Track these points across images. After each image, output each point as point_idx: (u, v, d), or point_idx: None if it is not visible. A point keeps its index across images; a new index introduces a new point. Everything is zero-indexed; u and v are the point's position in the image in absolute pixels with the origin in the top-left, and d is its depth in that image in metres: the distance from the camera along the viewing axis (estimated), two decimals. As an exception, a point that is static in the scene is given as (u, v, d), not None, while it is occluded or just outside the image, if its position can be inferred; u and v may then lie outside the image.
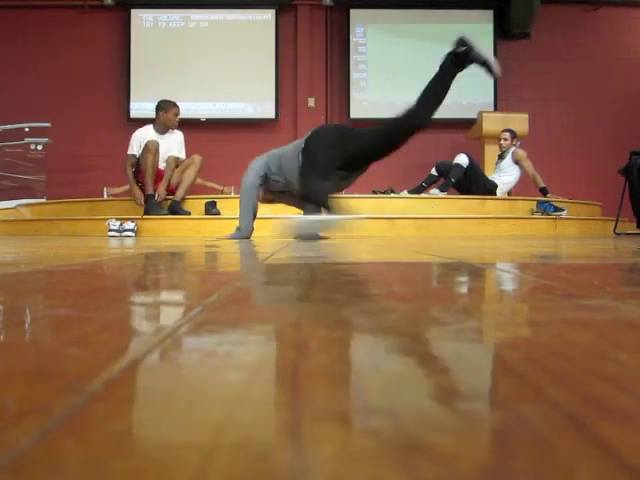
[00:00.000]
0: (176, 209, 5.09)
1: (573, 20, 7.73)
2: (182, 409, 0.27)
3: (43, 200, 6.67)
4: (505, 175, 5.94)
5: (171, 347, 0.42)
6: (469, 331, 0.48)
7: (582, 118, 7.70)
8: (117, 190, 5.59)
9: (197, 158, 5.24)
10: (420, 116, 3.37)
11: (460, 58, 3.52)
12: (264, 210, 5.37)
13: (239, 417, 0.26)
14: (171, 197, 5.14)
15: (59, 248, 2.31)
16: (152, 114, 5.46)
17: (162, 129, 5.29)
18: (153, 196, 5.08)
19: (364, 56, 7.70)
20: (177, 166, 5.27)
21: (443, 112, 8.22)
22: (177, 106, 5.32)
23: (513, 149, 5.98)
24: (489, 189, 5.83)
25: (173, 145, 5.29)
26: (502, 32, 7.64)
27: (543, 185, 5.94)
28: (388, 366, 0.37)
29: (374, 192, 5.79)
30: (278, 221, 3.53)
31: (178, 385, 0.32)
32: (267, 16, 7.64)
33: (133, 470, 0.20)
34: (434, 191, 5.75)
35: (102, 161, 7.08)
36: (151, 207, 5.06)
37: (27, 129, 6.83)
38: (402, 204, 5.43)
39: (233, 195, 6.35)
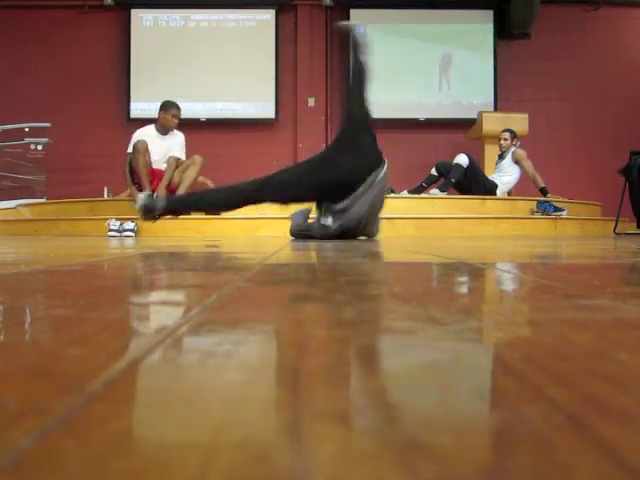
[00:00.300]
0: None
1: (573, 20, 7.74)
2: (182, 409, 0.27)
3: (43, 200, 6.67)
4: (505, 175, 5.94)
5: (171, 347, 0.42)
6: (469, 331, 0.48)
7: (582, 118, 7.70)
8: (123, 195, 5.55)
9: (198, 158, 5.24)
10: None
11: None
12: (263, 210, 5.37)
13: (239, 417, 0.26)
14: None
15: (59, 248, 2.31)
16: (152, 114, 5.46)
17: (162, 129, 5.29)
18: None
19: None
20: (178, 167, 5.27)
21: (443, 112, 8.24)
22: (177, 107, 5.31)
23: (513, 149, 5.98)
24: (489, 189, 5.83)
25: (173, 146, 5.29)
26: (502, 32, 7.65)
27: (543, 185, 5.95)
28: (388, 366, 0.37)
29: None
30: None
31: (178, 385, 0.32)
32: (267, 16, 7.64)
33: (133, 470, 0.20)
34: (434, 191, 5.75)
35: (102, 161, 7.09)
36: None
37: (27, 129, 6.84)
38: (402, 204, 5.43)
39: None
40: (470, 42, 7.66)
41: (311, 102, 7.63)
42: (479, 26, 7.68)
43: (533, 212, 5.65)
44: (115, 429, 0.24)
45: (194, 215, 5.17)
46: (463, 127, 7.16)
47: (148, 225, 5.00)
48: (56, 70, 7.56)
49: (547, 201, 5.66)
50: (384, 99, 7.53)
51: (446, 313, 0.57)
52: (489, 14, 7.68)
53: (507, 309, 0.65)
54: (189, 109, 7.43)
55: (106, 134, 7.29)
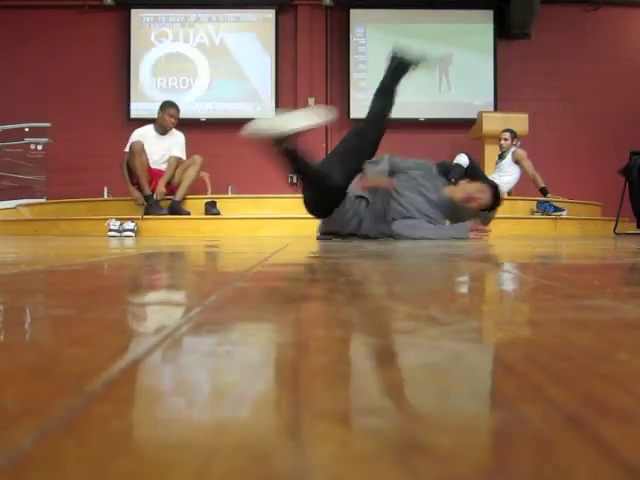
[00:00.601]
0: (176, 209, 5.10)
1: (573, 20, 7.74)
2: (182, 409, 0.27)
3: (43, 200, 6.67)
4: (505, 175, 5.94)
5: (171, 347, 0.42)
6: (469, 331, 0.48)
7: (582, 118, 7.70)
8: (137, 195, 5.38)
9: (198, 158, 5.24)
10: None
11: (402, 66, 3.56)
12: (263, 210, 5.38)
13: (239, 417, 0.26)
14: (171, 197, 5.15)
15: (59, 248, 2.31)
16: (152, 114, 5.47)
17: (161, 129, 5.29)
18: (152, 196, 5.09)
19: (364, 56, 7.70)
20: (178, 166, 5.27)
21: (443, 112, 8.24)
22: (175, 107, 5.30)
23: (513, 149, 5.98)
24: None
25: (173, 146, 5.29)
26: (502, 32, 7.64)
27: (543, 185, 5.95)
28: (388, 366, 0.37)
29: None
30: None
31: (178, 385, 0.32)
32: (267, 16, 7.64)
33: (133, 470, 0.20)
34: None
35: (102, 161, 7.08)
36: (151, 207, 5.07)
37: (27, 129, 6.84)
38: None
39: (231, 195, 6.36)
40: (470, 42, 7.65)
41: (311, 102, 7.63)
42: (479, 26, 7.68)
43: (533, 212, 5.65)
44: (115, 429, 0.24)
45: (194, 215, 5.18)
46: (463, 127, 7.15)
47: (148, 225, 5.01)
48: (56, 70, 7.56)
49: (547, 201, 5.66)
50: (384, 99, 7.53)
51: (446, 313, 0.57)
52: (489, 14, 7.68)
53: (507, 309, 0.65)
54: (189, 109, 7.44)
55: (106, 134, 7.29)
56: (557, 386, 0.30)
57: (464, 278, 1.08)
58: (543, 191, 5.93)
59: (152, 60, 7.64)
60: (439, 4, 7.65)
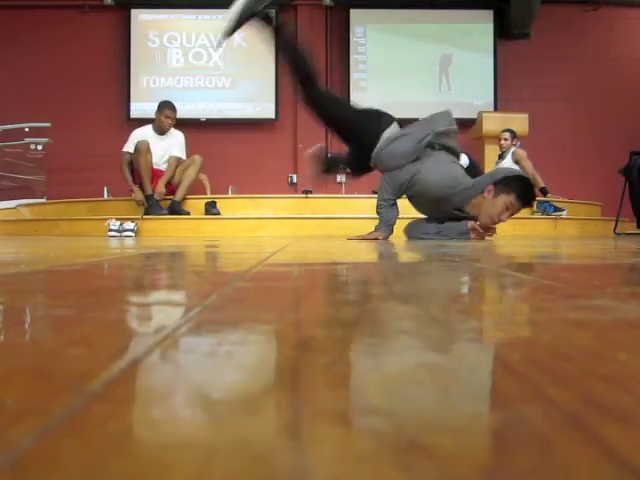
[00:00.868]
0: (176, 209, 5.10)
1: (573, 20, 7.74)
2: (182, 409, 0.27)
3: (43, 200, 6.68)
4: (505, 175, 5.94)
5: (171, 347, 0.42)
6: (469, 331, 0.48)
7: (582, 118, 7.70)
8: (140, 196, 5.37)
9: (198, 158, 5.24)
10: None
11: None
12: (264, 210, 5.38)
13: (239, 417, 0.26)
14: (171, 197, 5.15)
15: (59, 248, 2.31)
16: (152, 114, 5.47)
17: (159, 130, 5.30)
18: (152, 196, 5.09)
19: (364, 56, 7.71)
20: (178, 166, 5.27)
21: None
22: (171, 108, 5.29)
23: (513, 149, 5.98)
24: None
25: (172, 146, 5.29)
26: (502, 32, 7.65)
27: (543, 185, 5.95)
28: (388, 366, 0.37)
29: (374, 192, 5.78)
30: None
31: (178, 385, 0.32)
32: (267, 16, 7.64)
33: (133, 470, 0.20)
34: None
35: (102, 161, 7.08)
36: (151, 207, 5.07)
37: (27, 129, 6.84)
38: (402, 204, 5.42)
39: (231, 195, 6.36)
40: (470, 42, 7.66)
41: (311, 102, 7.62)
42: (479, 26, 7.68)
43: (533, 212, 5.65)
44: (115, 429, 0.24)
45: (194, 215, 5.18)
46: (463, 127, 7.14)
47: (148, 225, 5.01)
48: (56, 70, 7.56)
49: (547, 201, 5.66)
50: (384, 99, 7.53)
51: (446, 313, 0.57)
52: (489, 14, 7.68)
53: (507, 309, 0.65)
54: (189, 109, 7.44)
55: (106, 134, 7.29)
56: (557, 386, 0.30)
57: (464, 278, 1.08)
58: (543, 191, 5.93)
59: (152, 60, 7.64)
60: (439, 4, 7.65)
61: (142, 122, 5.68)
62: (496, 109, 7.47)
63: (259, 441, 0.23)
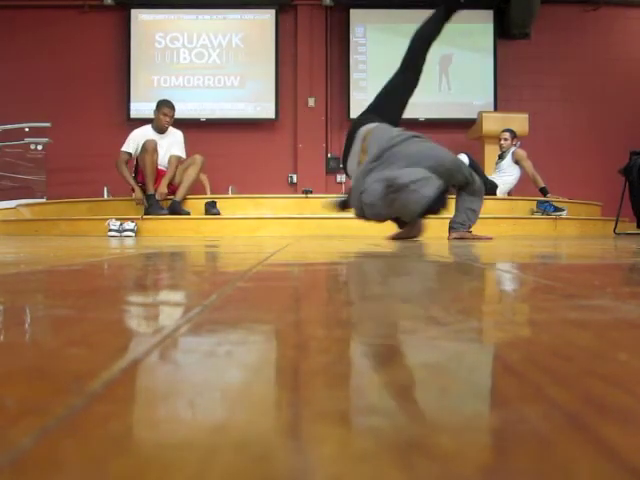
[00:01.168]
0: (176, 209, 5.10)
1: (573, 20, 7.74)
2: (182, 409, 0.27)
3: (43, 200, 6.68)
4: (505, 175, 5.94)
5: (171, 347, 0.42)
6: (469, 331, 0.48)
7: (582, 118, 7.70)
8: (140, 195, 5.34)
9: (198, 158, 5.24)
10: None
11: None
12: (264, 210, 5.38)
13: (239, 417, 0.26)
14: (172, 197, 5.15)
15: (59, 248, 2.31)
16: (152, 114, 5.47)
17: (158, 129, 5.30)
18: (154, 196, 5.09)
19: (364, 56, 7.70)
20: (178, 165, 5.27)
21: (443, 112, 8.23)
22: (169, 106, 5.30)
23: (513, 149, 5.98)
24: (489, 189, 5.83)
25: (172, 145, 5.29)
26: (502, 32, 7.65)
27: (543, 185, 5.95)
28: (388, 366, 0.37)
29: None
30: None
31: (178, 385, 0.32)
32: (267, 16, 7.64)
33: (133, 470, 0.20)
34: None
35: (102, 161, 7.08)
36: (151, 207, 5.07)
37: (27, 129, 6.84)
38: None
39: (231, 195, 6.36)
40: (470, 42, 7.65)
41: (311, 102, 7.63)
42: (479, 26, 7.68)
43: (533, 212, 5.65)
44: (115, 429, 0.24)
45: (194, 215, 5.18)
46: (463, 127, 7.15)
47: (148, 225, 5.01)
48: (56, 70, 7.56)
49: (547, 201, 5.66)
50: (384, 99, 7.52)
51: (446, 313, 0.57)
52: (489, 14, 7.68)
53: (507, 309, 0.65)
54: (189, 109, 7.44)
55: (106, 134, 7.29)
56: (557, 386, 0.30)
57: (464, 278, 1.08)
58: (543, 191, 5.94)
59: (152, 60, 7.64)
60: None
61: (142, 122, 5.68)
62: (496, 109, 7.47)
63: (259, 441, 0.23)
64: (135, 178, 5.24)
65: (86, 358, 0.37)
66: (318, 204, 5.46)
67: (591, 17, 7.77)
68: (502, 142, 6.02)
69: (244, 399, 0.29)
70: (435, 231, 4.88)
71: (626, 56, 7.79)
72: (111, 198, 6.09)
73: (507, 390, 0.31)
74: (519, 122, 6.36)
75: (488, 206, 5.61)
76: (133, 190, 5.31)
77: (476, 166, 5.94)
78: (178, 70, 7.65)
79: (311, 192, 5.59)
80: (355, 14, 7.66)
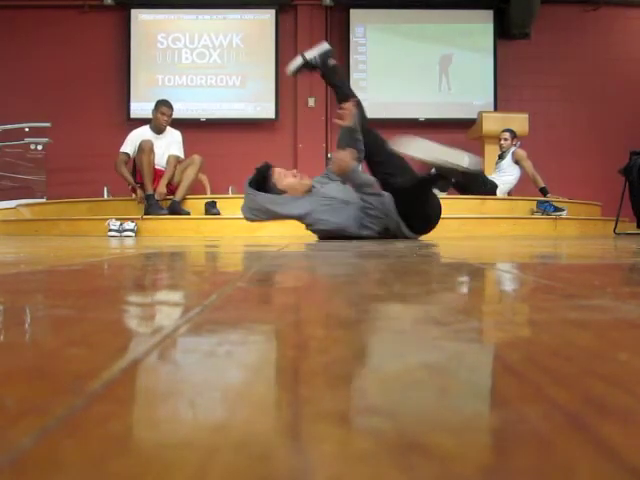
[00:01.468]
0: (176, 209, 5.10)
1: (573, 20, 7.73)
2: (182, 409, 0.27)
3: (43, 200, 6.67)
4: (505, 175, 5.94)
5: (171, 347, 0.42)
6: (469, 331, 0.48)
7: (582, 118, 7.70)
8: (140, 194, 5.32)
9: (197, 158, 5.24)
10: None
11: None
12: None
13: (239, 417, 0.26)
14: (171, 197, 5.15)
15: (59, 248, 2.31)
16: (152, 114, 5.47)
17: (156, 129, 5.31)
18: (153, 196, 5.09)
19: (364, 56, 7.70)
20: (177, 165, 5.27)
21: (443, 112, 8.22)
22: (167, 105, 5.31)
23: (513, 149, 5.98)
24: (489, 189, 5.83)
25: (170, 145, 5.29)
26: (502, 32, 7.64)
27: (543, 185, 5.95)
28: (388, 366, 0.37)
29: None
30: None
31: (178, 385, 0.32)
32: (267, 16, 7.64)
33: (133, 470, 0.20)
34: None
35: (102, 161, 7.07)
36: (151, 207, 5.07)
37: (27, 129, 6.84)
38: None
39: (231, 195, 6.36)
40: (470, 42, 7.65)
41: (311, 102, 7.63)
42: (479, 26, 7.67)
43: (533, 212, 5.65)
44: (115, 429, 0.24)
45: (194, 215, 5.18)
46: (463, 127, 7.15)
47: (148, 225, 5.01)
48: (56, 70, 7.55)
49: (547, 201, 5.66)
50: (384, 99, 7.53)
51: (446, 313, 0.57)
52: (489, 14, 7.68)
53: (507, 309, 0.65)
54: (189, 109, 7.44)
55: (106, 134, 7.29)
56: (557, 386, 0.30)
57: (464, 278, 1.08)
58: (543, 191, 5.93)
59: (152, 60, 7.64)
60: (439, 4, 7.65)
61: (142, 122, 5.67)
62: (496, 109, 7.47)
63: (259, 441, 0.23)
64: (134, 179, 5.25)
65: (86, 358, 0.37)
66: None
67: (591, 17, 7.76)
68: (502, 142, 6.01)
69: (244, 399, 0.29)
70: (433, 231, 4.89)
71: (626, 56, 7.79)
72: (111, 198, 6.09)
73: (507, 390, 0.31)
74: (519, 122, 6.36)
75: (488, 206, 5.62)
76: (133, 191, 5.31)
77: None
78: (179, 70, 7.65)
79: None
80: (355, 14, 7.65)
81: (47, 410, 0.26)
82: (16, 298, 0.72)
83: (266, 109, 7.63)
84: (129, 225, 4.78)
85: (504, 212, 5.56)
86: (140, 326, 0.54)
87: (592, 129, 7.68)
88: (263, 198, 3.18)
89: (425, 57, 7.71)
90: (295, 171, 3.32)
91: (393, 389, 0.31)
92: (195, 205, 5.26)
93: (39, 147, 6.83)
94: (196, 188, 5.74)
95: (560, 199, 5.84)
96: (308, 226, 3.27)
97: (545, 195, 5.88)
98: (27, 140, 6.83)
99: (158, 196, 5.09)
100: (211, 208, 5.18)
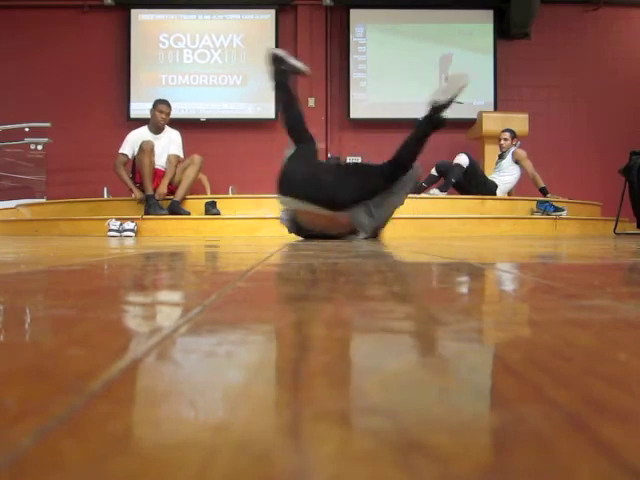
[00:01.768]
0: (176, 209, 5.10)
1: (573, 20, 7.73)
2: (182, 409, 0.27)
3: (43, 200, 6.68)
4: (505, 175, 5.94)
5: (171, 347, 0.42)
6: (469, 331, 0.48)
7: (582, 118, 7.70)
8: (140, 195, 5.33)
9: (197, 158, 5.24)
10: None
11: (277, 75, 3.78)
12: (264, 211, 5.37)
13: (239, 417, 0.26)
14: (171, 197, 5.15)
15: (59, 248, 2.31)
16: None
17: (155, 129, 5.31)
18: (153, 196, 5.09)
19: (364, 56, 7.70)
20: (177, 164, 5.27)
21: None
22: (165, 104, 5.32)
23: (513, 149, 5.98)
24: (489, 189, 5.83)
25: (170, 144, 5.30)
26: (502, 32, 7.65)
27: (543, 185, 5.95)
28: (388, 366, 0.37)
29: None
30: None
31: (178, 385, 0.32)
32: (267, 16, 7.64)
33: (133, 470, 0.20)
34: (434, 191, 5.75)
35: (102, 161, 7.07)
36: (151, 207, 5.07)
37: (27, 129, 6.84)
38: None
39: (231, 195, 6.36)
40: (470, 42, 7.65)
41: (311, 102, 7.62)
42: (479, 26, 7.67)
43: (533, 212, 5.65)
44: (115, 429, 0.24)
45: (194, 215, 5.18)
46: (463, 127, 7.15)
47: (148, 225, 5.01)
48: (56, 70, 7.56)
49: (547, 201, 5.66)
50: (384, 99, 7.53)
51: (446, 313, 0.57)
52: (489, 14, 7.68)
53: (507, 309, 0.65)
54: (189, 109, 7.44)
55: (106, 134, 7.28)
56: (557, 386, 0.30)
57: (464, 278, 1.08)
58: (543, 191, 5.94)
59: (152, 60, 7.64)
60: (439, 4, 7.65)
61: (142, 122, 5.68)
62: (496, 109, 7.47)
63: (259, 441, 0.23)
64: (133, 179, 5.25)
65: (86, 358, 0.37)
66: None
67: (591, 17, 7.76)
68: (502, 142, 6.02)
69: (244, 399, 0.29)
70: (434, 231, 4.88)
71: (626, 56, 7.79)
72: (111, 198, 6.09)
73: (507, 390, 0.31)
74: (519, 122, 6.36)
75: (488, 206, 5.62)
76: (132, 192, 5.31)
77: (476, 166, 5.95)
78: (177, 70, 7.65)
79: None
80: (355, 14, 7.65)
81: (47, 410, 0.26)
82: (16, 298, 0.72)
83: (266, 109, 7.63)
84: (129, 225, 4.78)
85: (504, 212, 5.56)
86: (140, 326, 0.54)
87: (592, 129, 7.68)
88: None
89: (425, 57, 7.71)
90: None
91: (393, 389, 0.31)
92: (195, 205, 5.27)
93: (39, 147, 6.83)
94: (196, 188, 5.74)
95: (560, 199, 5.84)
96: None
97: (545, 195, 5.88)
98: (27, 140, 6.83)
99: (158, 196, 5.09)
100: (211, 208, 5.18)
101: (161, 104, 5.31)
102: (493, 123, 6.44)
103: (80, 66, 7.59)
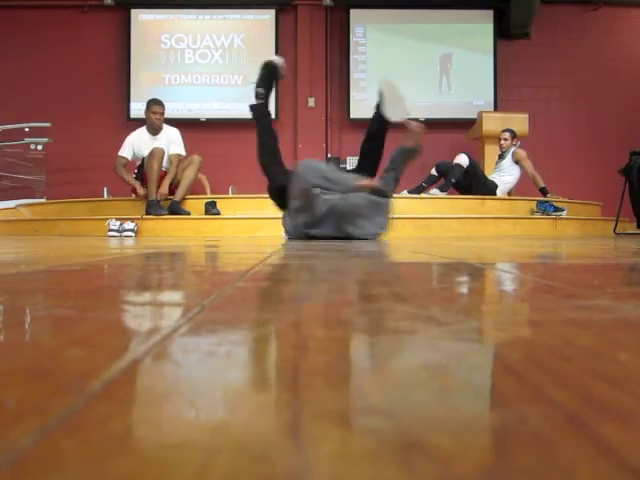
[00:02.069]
0: (176, 209, 5.10)
1: (573, 20, 7.74)
2: (182, 409, 0.27)
3: (43, 200, 6.67)
4: (505, 175, 5.94)
5: (171, 347, 0.42)
6: (469, 331, 0.48)
7: (582, 118, 7.70)
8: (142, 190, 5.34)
9: (196, 158, 5.24)
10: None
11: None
12: (263, 210, 5.37)
13: (239, 417, 0.26)
14: (171, 197, 5.15)
15: (59, 248, 2.31)
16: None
17: (151, 129, 5.31)
18: (155, 199, 5.09)
19: (364, 56, 7.70)
20: (179, 162, 5.26)
21: (443, 112, 8.22)
22: (158, 104, 5.31)
23: (513, 149, 5.98)
24: (489, 189, 5.83)
25: (169, 143, 5.29)
26: (502, 32, 7.65)
27: (543, 185, 5.95)
28: (388, 366, 0.37)
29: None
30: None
31: (178, 385, 0.32)
32: (267, 16, 7.64)
33: (133, 470, 0.20)
34: (434, 191, 5.75)
35: (102, 161, 7.07)
36: (151, 207, 5.07)
37: (27, 129, 6.84)
38: (402, 204, 5.43)
39: (231, 195, 6.36)
40: (470, 42, 7.65)
41: (311, 102, 7.63)
42: (479, 26, 7.67)
43: (533, 212, 5.65)
44: (115, 429, 0.24)
45: (194, 215, 5.18)
46: (463, 127, 7.15)
47: (148, 225, 5.01)
48: (56, 70, 7.56)
49: (547, 201, 5.66)
50: (384, 99, 7.52)
51: (446, 313, 0.57)
52: (489, 14, 7.68)
53: (507, 309, 0.65)
54: (189, 109, 7.44)
55: (106, 134, 7.29)
56: (557, 386, 0.30)
57: (464, 278, 1.08)
58: (543, 191, 5.94)
59: (152, 60, 7.64)
60: (439, 4, 7.65)
61: (142, 122, 5.68)
62: (496, 109, 7.47)
63: (259, 441, 0.23)
64: (138, 178, 5.25)
65: (86, 358, 0.37)
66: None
67: (591, 17, 7.76)
68: (502, 142, 6.01)
69: (244, 399, 0.29)
70: (434, 231, 4.88)
71: (626, 56, 7.79)
72: (111, 198, 6.09)
73: (507, 390, 0.31)
74: (519, 122, 6.36)
75: (488, 206, 5.62)
76: (134, 191, 5.30)
77: (476, 166, 5.95)
78: (177, 70, 7.65)
79: None
80: (355, 14, 7.65)
81: (47, 410, 0.26)
82: (16, 298, 0.72)
83: (266, 109, 7.62)
84: (129, 225, 4.78)
85: (504, 212, 5.56)
86: (140, 326, 0.54)
87: (592, 129, 7.68)
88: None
89: (425, 57, 7.71)
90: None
91: (393, 389, 0.31)
92: (195, 205, 5.27)
93: (39, 147, 6.83)
94: (196, 188, 5.74)
95: (560, 199, 5.84)
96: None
97: (545, 195, 5.88)
98: (27, 140, 6.83)
99: (160, 196, 5.09)
100: (211, 208, 5.18)
101: (153, 105, 5.30)
102: (493, 123, 6.44)
103: (80, 66, 7.59)
